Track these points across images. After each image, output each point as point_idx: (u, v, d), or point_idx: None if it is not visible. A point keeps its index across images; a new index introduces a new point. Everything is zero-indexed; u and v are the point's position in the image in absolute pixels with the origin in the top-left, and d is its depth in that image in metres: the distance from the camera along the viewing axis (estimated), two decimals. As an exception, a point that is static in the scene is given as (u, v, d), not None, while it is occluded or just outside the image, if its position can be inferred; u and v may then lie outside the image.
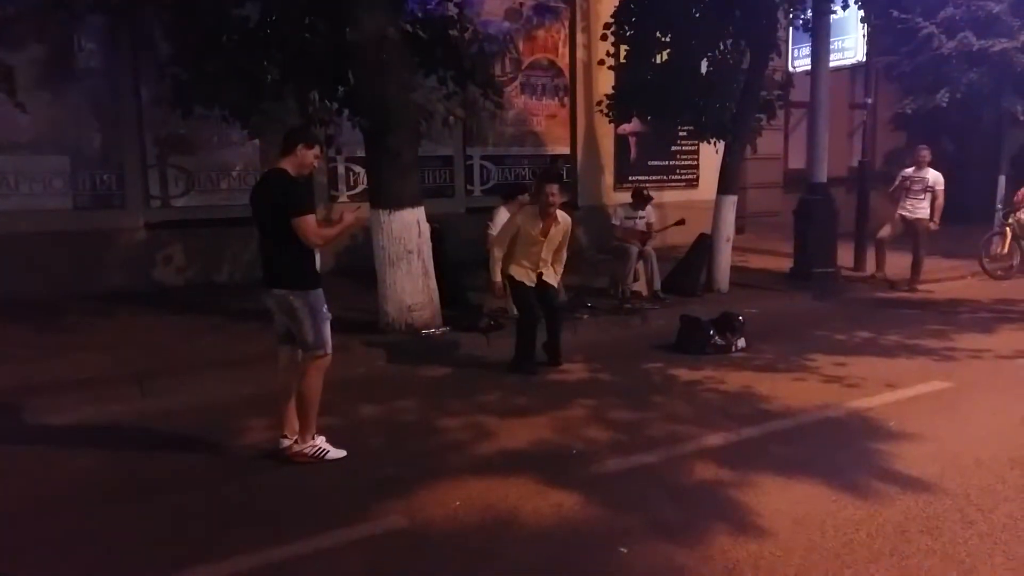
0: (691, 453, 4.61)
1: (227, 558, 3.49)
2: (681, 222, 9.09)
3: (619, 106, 10.10)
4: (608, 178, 12.77)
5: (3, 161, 8.71)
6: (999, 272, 10.69)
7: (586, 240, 11.67)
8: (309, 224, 4.33)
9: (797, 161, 14.46)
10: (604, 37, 9.87)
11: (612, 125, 11.36)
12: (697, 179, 13.51)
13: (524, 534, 3.69)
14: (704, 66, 9.83)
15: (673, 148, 13.29)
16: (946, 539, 3.56)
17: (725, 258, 9.45)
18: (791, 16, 9.79)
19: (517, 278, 6.34)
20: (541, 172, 10.54)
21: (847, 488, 4.08)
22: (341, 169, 10.53)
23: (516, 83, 11.75)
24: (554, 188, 6.31)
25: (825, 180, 10.10)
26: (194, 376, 6.01)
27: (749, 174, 13.50)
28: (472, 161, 11.58)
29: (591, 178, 12.59)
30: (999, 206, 12.41)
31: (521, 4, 11.65)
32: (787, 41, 14.03)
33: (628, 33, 9.68)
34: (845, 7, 9.94)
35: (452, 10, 7.93)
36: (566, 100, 12.28)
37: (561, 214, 6.43)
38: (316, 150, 4.57)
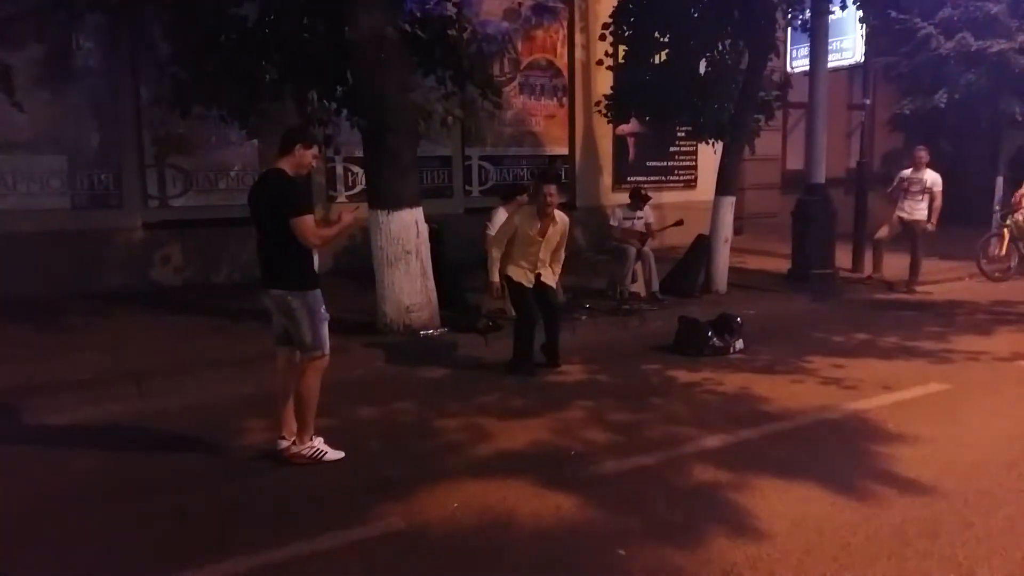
0: (689, 455, 4.62)
1: (225, 559, 3.48)
2: (679, 223, 9.10)
3: (617, 106, 10.10)
4: (606, 179, 12.77)
5: (1, 160, 8.70)
6: (997, 274, 10.70)
7: (584, 241, 11.67)
8: (307, 224, 4.33)
9: (795, 162, 14.47)
10: (603, 37, 9.87)
11: (610, 125, 11.36)
12: (695, 180, 13.52)
13: (522, 536, 3.69)
14: (702, 67, 9.83)
15: (671, 149, 13.30)
16: (944, 542, 3.56)
17: (723, 259, 9.45)
18: (789, 16, 9.80)
19: (515, 279, 6.34)
20: (539, 172, 10.54)
21: (845, 490, 4.08)
22: (339, 169, 10.53)
23: (515, 83, 11.75)
24: (552, 188, 6.32)
25: (823, 181, 10.10)
26: (192, 376, 6.00)
27: (747, 175, 13.51)
28: (471, 161, 11.58)
29: (589, 179, 12.59)
30: (997, 208, 12.43)
31: (520, 4, 11.64)
32: (785, 42, 14.04)
33: (627, 33, 9.69)
34: (843, 8, 9.95)
35: (451, 10, 7.93)
36: (564, 100, 12.28)
37: (559, 214, 6.43)
38: (314, 150, 4.56)
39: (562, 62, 12.20)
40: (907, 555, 3.45)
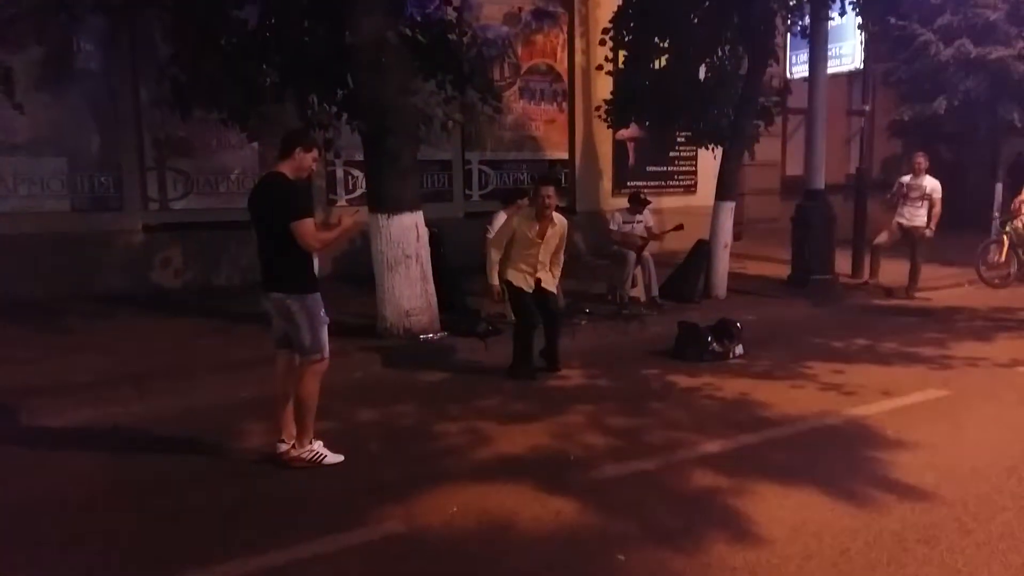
0: (689, 460, 4.61)
1: (225, 562, 3.48)
2: (679, 227, 9.10)
3: (618, 111, 10.11)
4: (606, 183, 12.78)
5: (1, 162, 8.71)
6: (996, 280, 10.70)
7: (584, 245, 11.68)
8: (307, 228, 4.33)
9: (795, 167, 14.47)
10: (603, 42, 9.88)
11: (610, 130, 11.36)
12: (695, 185, 13.53)
13: (522, 540, 3.69)
14: (702, 72, 9.86)
15: (671, 154, 13.30)
16: (943, 548, 3.56)
17: (723, 264, 9.45)
18: (789, 22, 9.81)
19: (515, 284, 6.34)
20: (539, 176, 10.55)
21: (844, 496, 4.08)
22: (340, 173, 10.54)
23: (515, 88, 11.76)
24: (550, 190, 6.33)
25: (823, 187, 10.10)
26: (192, 379, 5.99)
27: (747, 180, 13.51)
28: (471, 165, 11.59)
29: (589, 183, 12.59)
30: (996, 214, 12.43)
31: (520, 9, 11.67)
32: (785, 47, 14.05)
33: (627, 38, 9.71)
34: (842, 14, 9.97)
35: (451, 14, 7.95)
36: (564, 105, 12.29)
37: (557, 216, 6.44)
38: (314, 153, 4.57)
39: (562, 67, 12.21)
40: (906, 561, 3.45)
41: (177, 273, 9.67)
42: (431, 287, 7.32)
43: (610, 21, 9.80)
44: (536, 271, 6.39)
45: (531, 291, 6.37)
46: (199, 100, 7.22)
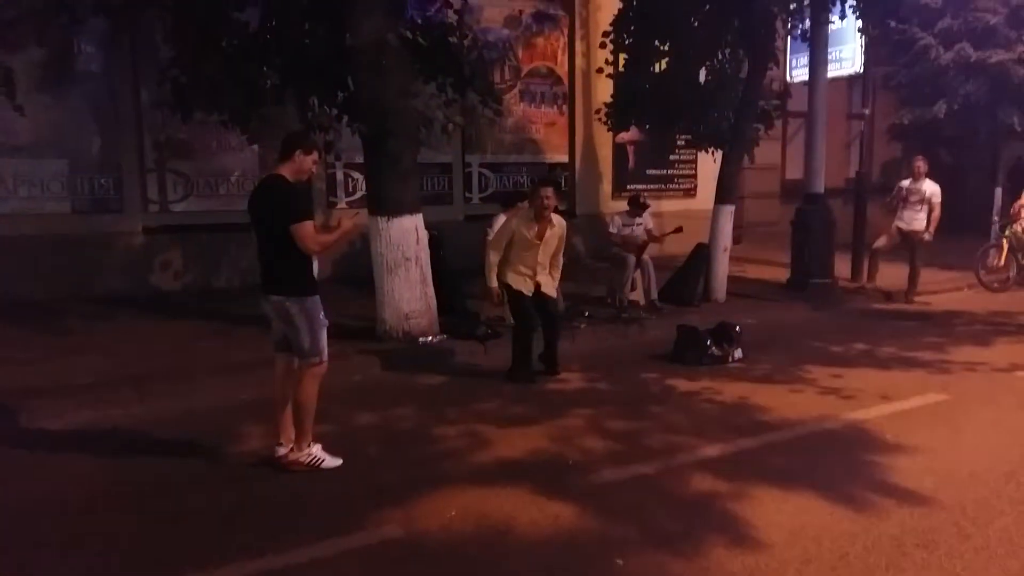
0: (688, 464, 4.61)
1: (222, 565, 3.48)
2: (679, 229, 9.10)
3: (618, 114, 10.12)
4: (606, 186, 12.79)
5: (2, 164, 8.72)
6: (995, 284, 10.70)
7: (584, 248, 11.68)
8: (307, 230, 4.33)
9: (795, 171, 14.47)
10: (603, 45, 9.89)
11: (610, 133, 11.38)
12: (695, 188, 13.53)
13: (520, 544, 3.69)
14: (702, 75, 9.87)
15: (671, 157, 13.30)
16: (942, 553, 3.56)
17: (722, 268, 9.46)
18: (789, 26, 9.82)
19: (515, 287, 6.34)
20: (538, 178, 10.56)
21: (843, 500, 4.08)
22: (340, 175, 10.54)
23: (515, 91, 11.77)
24: (549, 191, 6.33)
25: (822, 190, 10.11)
26: (191, 381, 5.99)
27: (747, 184, 13.52)
28: (471, 168, 11.59)
29: (589, 186, 12.60)
30: (996, 218, 12.44)
31: (520, 12, 11.68)
32: (785, 51, 14.07)
33: (627, 42, 9.71)
34: (843, 17, 9.98)
35: (452, 17, 7.95)
36: (565, 108, 12.30)
37: (556, 218, 6.44)
38: (314, 155, 4.56)
39: (562, 70, 12.22)
40: (905, 566, 3.45)
41: (177, 275, 9.67)
42: (431, 290, 7.32)
43: (610, 24, 9.81)
44: (536, 273, 6.39)
45: (531, 294, 6.37)
46: (199, 102, 7.22)
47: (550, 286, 6.51)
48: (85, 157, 9.15)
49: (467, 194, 11.58)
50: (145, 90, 9.17)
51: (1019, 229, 11.01)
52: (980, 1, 12.65)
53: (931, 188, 9.83)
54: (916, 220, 9.86)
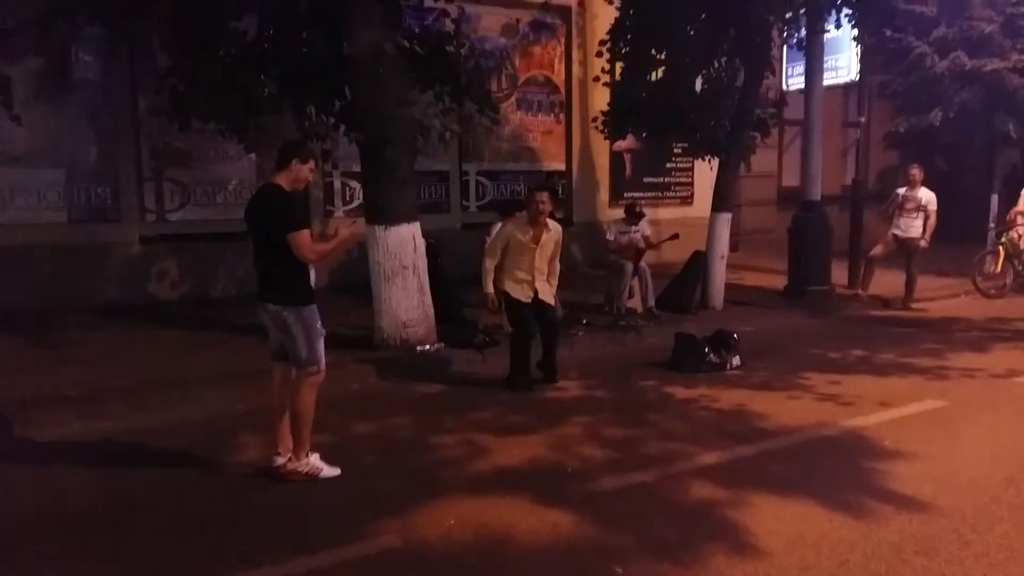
0: (686, 471, 4.61)
1: (220, 576, 3.47)
2: (675, 236, 9.12)
3: (614, 123, 10.15)
4: (603, 194, 12.81)
5: (-1, 173, 8.71)
6: (992, 291, 10.72)
7: (581, 256, 11.69)
8: (304, 239, 4.33)
9: (791, 179, 14.51)
10: (600, 54, 9.93)
11: (607, 142, 11.39)
12: (692, 196, 13.56)
13: (519, 553, 3.68)
14: (699, 84, 9.90)
15: (668, 165, 13.35)
16: (942, 559, 3.55)
17: (720, 275, 9.46)
18: (785, 35, 9.87)
19: (513, 295, 6.33)
20: (534, 185, 10.58)
21: (842, 507, 4.07)
22: (337, 184, 10.54)
23: (512, 99, 11.79)
24: (544, 196, 6.34)
25: (819, 198, 10.14)
26: (188, 391, 5.97)
27: (743, 192, 13.54)
28: (468, 177, 11.60)
29: (586, 194, 12.62)
30: (992, 225, 12.48)
31: (518, 21, 11.71)
32: (781, 60, 14.13)
33: (623, 50, 9.76)
34: (838, 26, 10.03)
35: (449, 26, 7.96)
36: (562, 116, 12.33)
37: (552, 223, 6.45)
38: (311, 164, 4.56)
39: (559, 78, 12.25)
40: (905, 573, 3.44)
41: (174, 284, 9.65)
42: (428, 298, 7.31)
43: (607, 33, 9.85)
44: (534, 279, 6.37)
45: (529, 301, 6.36)
46: (197, 111, 7.22)
47: (548, 293, 6.50)
48: (82, 166, 9.14)
49: (464, 202, 11.59)
50: (142, 99, 9.17)
51: (1015, 236, 11.06)
52: (975, 10, 12.73)
53: (927, 196, 9.87)
54: (912, 227, 9.89)
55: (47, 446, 5.09)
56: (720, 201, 9.56)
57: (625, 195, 12.52)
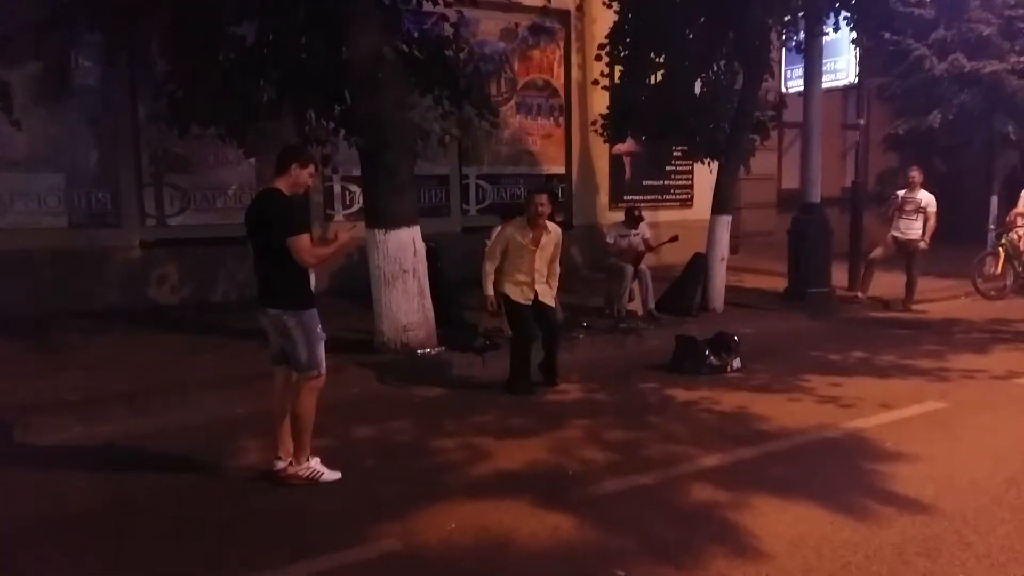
0: (687, 474, 4.60)
1: (220, 581, 3.47)
2: (675, 239, 9.13)
3: (614, 126, 10.15)
4: (603, 198, 12.81)
5: (-1, 178, 8.71)
6: (992, 292, 10.72)
7: (581, 259, 11.69)
8: (303, 243, 4.33)
9: (791, 181, 14.50)
10: (599, 57, 9.94)
11: (607, 145, 11.41)
12: (691, 199, 13.56)
13: (520, 556, 3.67)
14: (698, 87, 9.90)
15: (668, 168, 13.31)
16: (944, 561, 3.54)
17: (720, 278, 9.46)
18: (784, 37, 9.89)
19: (513, 298, 6.33)
20: (533, 187, 10.58)
21: (844, 509, 4.07)
22: (337, 188, 10.55)
23: (511, 103, 11.80)
24: (543, 198, 6.35)
25: (819, 200, 10.14)
26: (188, 395, 5.97)
27: (743, 194, 13.56)
28: (468, 180, 11.61)
29: (586, 197, 12.62)
30: (992, 226, 12.48)
31: (517, 25, 11.73)
32: (780, 62, 14.13)
33: (623, 54, 9.76)
34: (837, 29, 10.02)
35: (448, 30, 7.98)
36: (561, 120, 12.34)
37: (551, 225, 6.46)
38: (310, 169, 4.56)
39: (559, 82, 12.27)
40: (907, 574, 3.44)
41: (174, 289, 9.66)
42: (428, 302, 7.31)
43: (606, 36, 9.86)
44: (534, 281, 6.37)
45: (529, 304, 6.36)
46: (197, 116, 7.23)
47: (548, 296, 6.50)
48: (82, 171, 9.15)
49: (464, 206, 11.59)
50: (142, 104, 9.17)
51: (1015, 237, 11.06)
52: (973, 12, 12.74)
53: (926, 198, 9.89)
54: (912, 229, 9.90)
55: (48, 450, 5.09)
56: (720, 204, 9.57)
57: (625, 198, 12.53)
